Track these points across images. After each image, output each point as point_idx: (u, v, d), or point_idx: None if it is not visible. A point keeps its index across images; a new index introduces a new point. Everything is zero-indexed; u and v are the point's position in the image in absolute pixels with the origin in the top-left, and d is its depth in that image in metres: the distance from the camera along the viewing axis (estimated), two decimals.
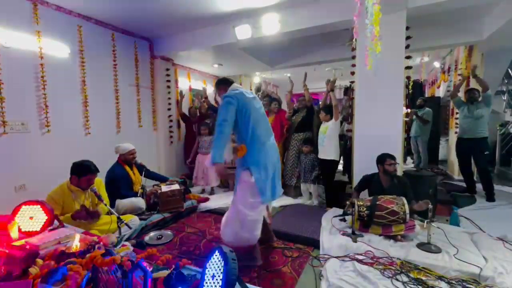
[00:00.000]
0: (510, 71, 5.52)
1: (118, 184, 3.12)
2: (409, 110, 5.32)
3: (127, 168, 3.29)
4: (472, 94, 3.66)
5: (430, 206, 2.22)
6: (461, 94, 4.19)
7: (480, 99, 3.64)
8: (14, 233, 1.57)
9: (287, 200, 3.84)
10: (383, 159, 2.72)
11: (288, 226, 2.87)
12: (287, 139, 4.21)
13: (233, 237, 2.17)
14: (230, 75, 6.89)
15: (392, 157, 2.71)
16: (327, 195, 3.65)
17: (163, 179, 3.66)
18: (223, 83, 2.36)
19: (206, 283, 0.95)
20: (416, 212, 2.55)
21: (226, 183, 4.62)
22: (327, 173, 3.58)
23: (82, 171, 2.29)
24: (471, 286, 1.77)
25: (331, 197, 3.57)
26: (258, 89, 5.96)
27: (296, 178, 3.95)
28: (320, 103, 4.36)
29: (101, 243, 1.36)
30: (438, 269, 1.95)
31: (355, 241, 2.35)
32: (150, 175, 3.62)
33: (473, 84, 3.99)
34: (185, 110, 5.33)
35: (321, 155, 3.56)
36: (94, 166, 2.35)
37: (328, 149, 3.47)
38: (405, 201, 2.39)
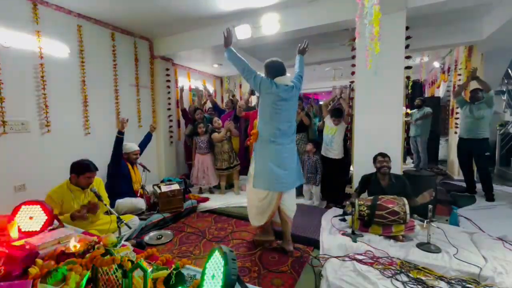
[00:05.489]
0: (510, 71, 5.52)
1: (119, 176, 3.14)
2: (409, 110, 5.32)
3: (129, 166, 3.31)
4: (476, 94, 3.65)
5: (433, 193, 2.23)
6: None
7: (483, 99, 3.62)
8: (14, 233, 1.57)
9: None
10: (374, 158, 2.81)
11: None
12: None
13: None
14: (230, 75, 6.91)
15: (383, 155, 2.75)
16: (329, 191, 3.66)
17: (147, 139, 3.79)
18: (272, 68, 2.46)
19: (206, 283, 0.95)
20: (418, 210, 2.55)
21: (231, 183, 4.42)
22: (337, 172, 3.68)
23: (81, 169, 2.30)
24: (470, 286, 1.78)
25: (333, 195, 3.60)
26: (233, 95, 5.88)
27: None
28: (322, 103, 4.36)
29: (101, 243, 1.35)
30: (438, 269, 1.96)
31: (355, 241, 2.35)
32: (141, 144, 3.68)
33: (474, 85, 3.98)
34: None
35: (330, 155, 3.67)
36: (93, 164, 2.36)
37: (337, 148, 3.63)
38: (406, 201, 2.39)
